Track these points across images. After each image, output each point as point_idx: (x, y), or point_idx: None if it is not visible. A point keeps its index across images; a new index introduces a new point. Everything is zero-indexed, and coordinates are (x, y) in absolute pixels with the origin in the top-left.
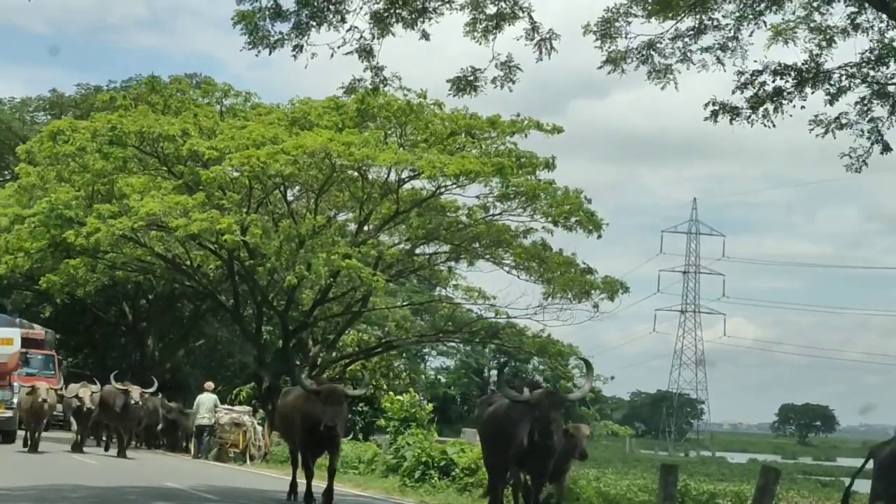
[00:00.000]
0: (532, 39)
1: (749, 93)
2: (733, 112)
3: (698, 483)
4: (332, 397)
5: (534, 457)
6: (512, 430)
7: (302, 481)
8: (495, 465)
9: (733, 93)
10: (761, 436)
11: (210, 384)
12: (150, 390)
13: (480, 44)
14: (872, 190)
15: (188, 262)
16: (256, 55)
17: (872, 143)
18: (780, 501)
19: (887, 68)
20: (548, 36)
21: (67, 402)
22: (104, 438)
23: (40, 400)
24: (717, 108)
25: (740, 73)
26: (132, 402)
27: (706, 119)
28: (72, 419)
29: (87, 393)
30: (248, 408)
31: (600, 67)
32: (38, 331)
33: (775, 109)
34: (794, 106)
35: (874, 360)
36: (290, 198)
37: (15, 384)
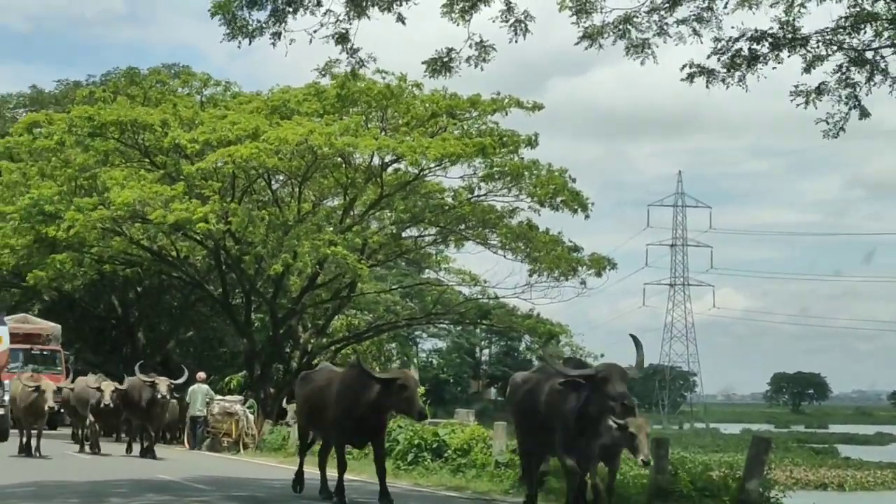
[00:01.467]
0: (507, 21)
1: (725, 57)
2: (709, 74)
3: (693, 455)
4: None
5: (585, 438)
6: (563, 409)
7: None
8: (536, 451)
9: (708, 57)
10: (755, 406)
11: (202, 374)
12: (181, 381)
13: (458, 24)
14: (854, 157)
15: (174, 254)
16: (238, 46)
17: (850, 109)
18: (775, 469)
19: (864, 34)
20: (522, 17)
21: (78, 395)
22: (125, 437)
23: (43, 398)
24: (693, 70)
25: (717, 39)
26: (159, 395)
27: (682, 80)
28: (89, 415)
29: (109, 388)
30: (239, 397)
31: (577, 43)
32: (43, 324)
33: (748, 67)
34: (772, 68)
35: (865, 327)
36: (274, 185)
37: (6, 382)
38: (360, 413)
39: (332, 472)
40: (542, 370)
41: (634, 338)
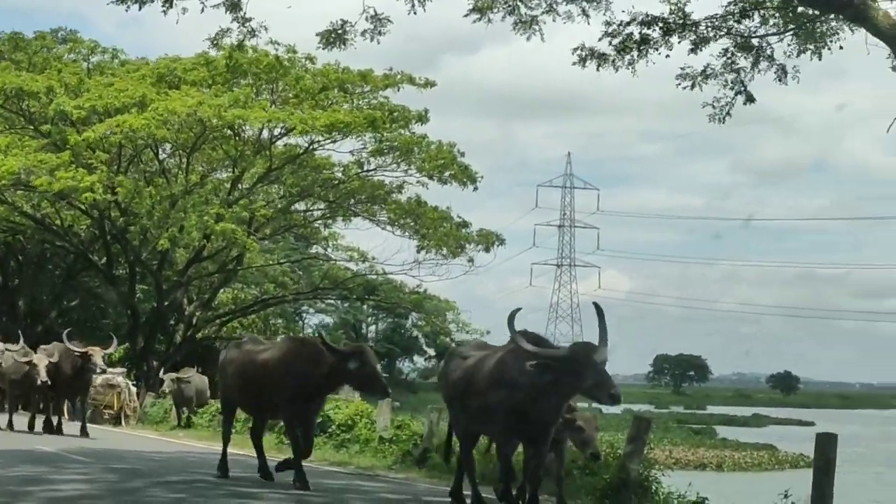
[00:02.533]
0: None
1: (616, 41)
2: (601, 58)
3: None
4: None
5: (534, 422)
6: (516, 387)
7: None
8: (476, 432)
9: (599, 40)
10: (637, 386)
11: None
12: (111, 350)
13: None
14: (740, 143)
15: (58, 223)
16: (126, 10)
17: (736, 94)
18: (655, 449)
19: (751, 21)
20: None
21: (6, 371)
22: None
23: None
24: (585, 53)
25: (608, 23)
26: (97, 368)
27: (574, 64)
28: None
29: (42, 362)
30: (122, 369)
31: (466, 15)
32: None
33: (640, 55)
34: (661, 55)
35: (746, 311)
36: (162, 156)
37: None
38: (314, 390)
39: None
40: (483, 346)
41: (597, 306)
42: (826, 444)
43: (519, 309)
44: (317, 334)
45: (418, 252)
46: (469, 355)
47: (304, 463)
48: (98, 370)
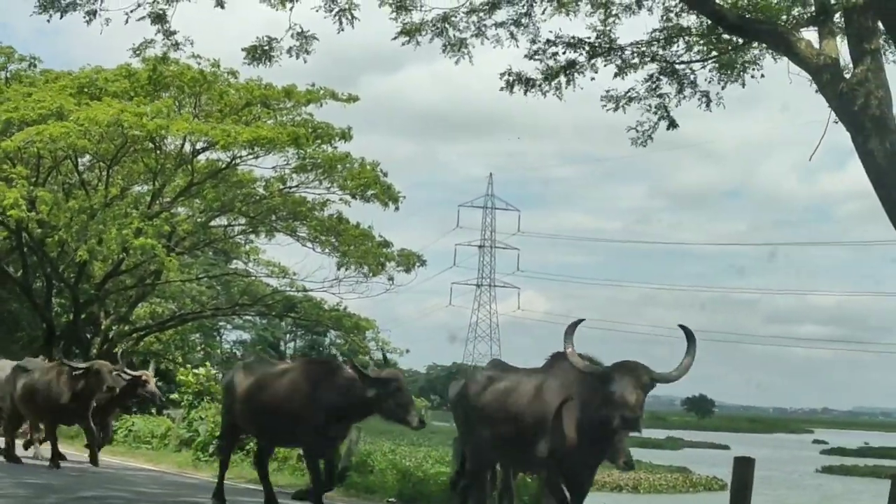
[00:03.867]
0: (331, 10)
1: (542, 64)
2: (528, 83)
3: None
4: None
5: (585, 456)
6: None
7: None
8: (495, 465)
9: (525, 58)
10: None
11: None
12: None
13: (277, 10)
14: (659, 168)
15: None
16: (48, 20)
17: (659, 119)
18: None
19: (675, 47)
20: (346, 6)
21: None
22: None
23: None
24: (512, 78)
25: (533, 41)
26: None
27: (501, 89)
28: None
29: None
30: None
31: (395, 38)
32: None
33: (568, 82)
34: (587, 78)
35: (661, 333)
36: (81, 167)
37: None
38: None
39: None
40: (503, 367)
41: (686, 330)
42: (743, 467)
43: (582, 320)
44: (237, 351)
45: (339, 269)
46: (499, 376)
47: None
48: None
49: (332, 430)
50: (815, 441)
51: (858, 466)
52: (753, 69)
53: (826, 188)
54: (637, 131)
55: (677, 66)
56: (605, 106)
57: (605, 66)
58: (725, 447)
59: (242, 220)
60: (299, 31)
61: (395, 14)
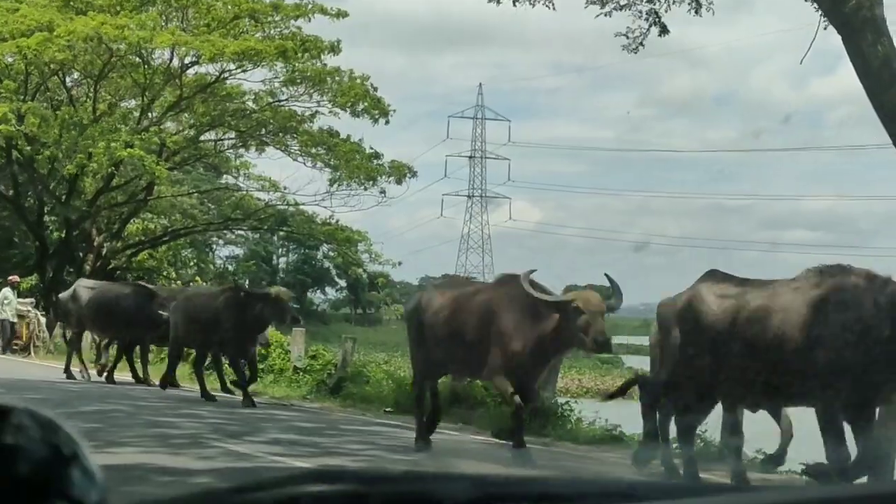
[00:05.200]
0: None
1: None
2: None
3: None
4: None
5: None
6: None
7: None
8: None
9: None
10: None
11: (15, 278)
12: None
13: None
14: (648, 75)
15: None
16: None
17: (650, 25)
18: (564, 378)
19: None
20: None
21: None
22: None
23: None
24: None
25: None
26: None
27: (489, 0)
28: None
29: None
30: (31, 300)
31: None
32: None
33: None
34: None
35: (654, 242)
36: (69, 84)
37: None
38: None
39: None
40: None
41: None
42: None
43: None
44: (229, 266)
45: (330, 184)
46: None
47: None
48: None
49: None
50: None
51: None
52: None
53: (817, 93)
54: (627, 38)
55: None
56: (592, 7)
57: None
58: None
59: (232, 135)
60: None
61: None
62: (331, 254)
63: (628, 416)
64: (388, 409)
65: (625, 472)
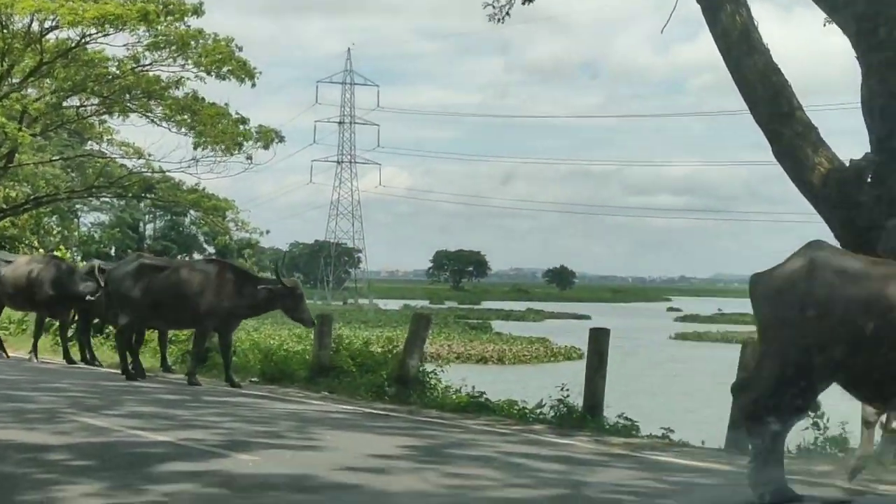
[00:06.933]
0: None
1: None
2: None
3: (354, 330)
4: None
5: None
6: None
7: None
8: None
9: None
10: (417, 282)
11: None
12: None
13: None
14: (516, 42)
15: None
16: None
17: None
18: (434, 344)
19: None
20: None
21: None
22: None
23: None
24: None
25: None
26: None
27: None
28: None
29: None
30: None
31: None
32: None
33: None
34: None
35: (523, 207)
36: None
37: None
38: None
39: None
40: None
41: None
42: (599, 338)
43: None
44: (92, 233)
45: (195, 149)
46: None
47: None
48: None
49: None
50: (670, 309)
51: (711, 332)
52: None
53: (679, 60)
54: (493, 7)
55: None
56: None
57: None
58: (586, 317)
59: (95, 101)
60: None
61: None
62: (198, 221)
63: (493, 382)
64: (254, 379)
65: (492, 439)
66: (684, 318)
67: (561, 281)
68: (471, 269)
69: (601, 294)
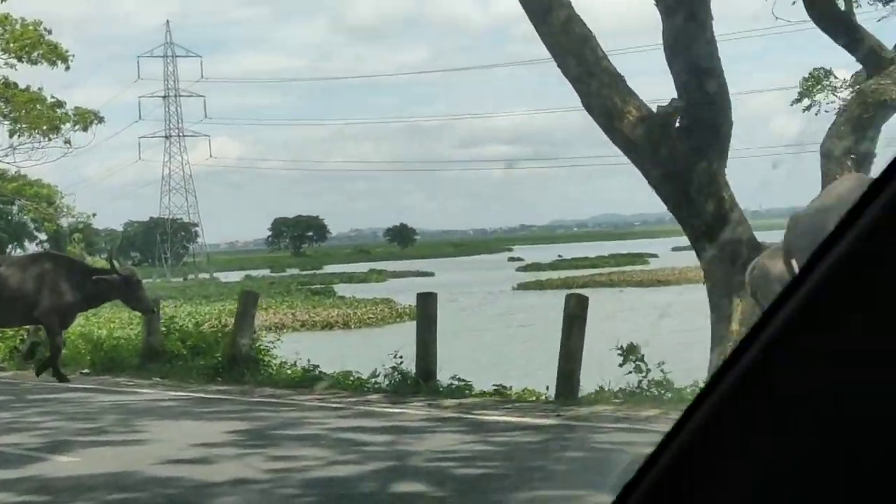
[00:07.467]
0: None
1: None
2: None
3: (196, 306)
4: None
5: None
6: None
7: None
8: None
9: None
10: (258, 252)
11: None
12: None
13: None
14: (335, 2)
15: None
16: None
17: None
18: (277, 313)
19: None
20: None
21: None
22: None
23: None
24: None
25: None
26: None
27: None
28: None
29: None
30: None
31: None
32: None
33: None
34: None
35: (357, 168)
36: None
37: None
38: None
39: None
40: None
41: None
42: (426, 302)
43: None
44: None
45: (11, 137)
46: None
47: None
48: None
49: None
50: (511, 259)
51: (552, 279)
52: None
53: (500, 10)
54: None
55: None
56: None
57: None
58: (430, 274)
59: None
60: None
61: None
62: (27, 210)
63: (326, 350)
64: (84, 371)
65: (324, 415)
66: (526, 268)
67: (402, 239)
68: (311, 234)
69: (443, 249)
